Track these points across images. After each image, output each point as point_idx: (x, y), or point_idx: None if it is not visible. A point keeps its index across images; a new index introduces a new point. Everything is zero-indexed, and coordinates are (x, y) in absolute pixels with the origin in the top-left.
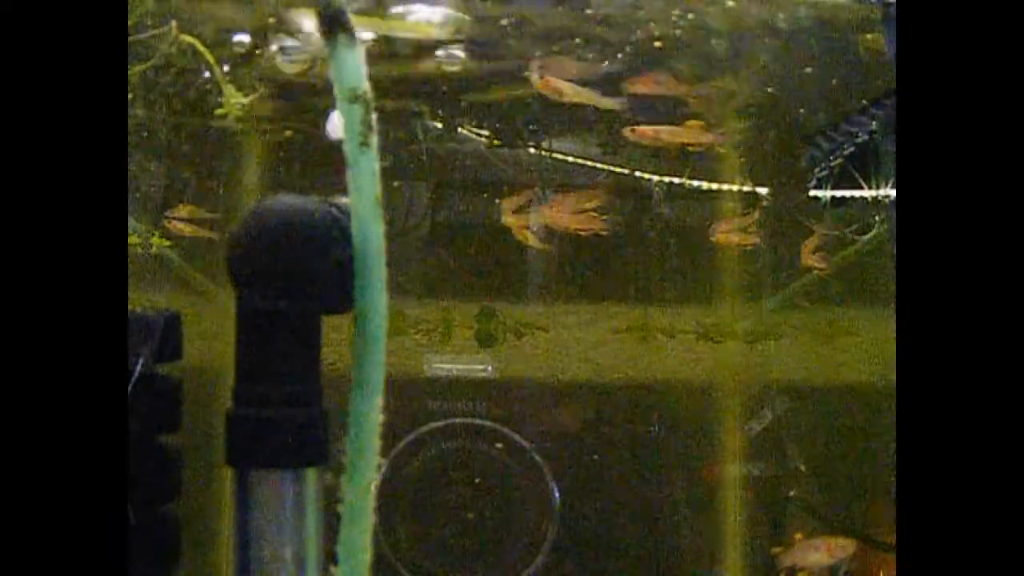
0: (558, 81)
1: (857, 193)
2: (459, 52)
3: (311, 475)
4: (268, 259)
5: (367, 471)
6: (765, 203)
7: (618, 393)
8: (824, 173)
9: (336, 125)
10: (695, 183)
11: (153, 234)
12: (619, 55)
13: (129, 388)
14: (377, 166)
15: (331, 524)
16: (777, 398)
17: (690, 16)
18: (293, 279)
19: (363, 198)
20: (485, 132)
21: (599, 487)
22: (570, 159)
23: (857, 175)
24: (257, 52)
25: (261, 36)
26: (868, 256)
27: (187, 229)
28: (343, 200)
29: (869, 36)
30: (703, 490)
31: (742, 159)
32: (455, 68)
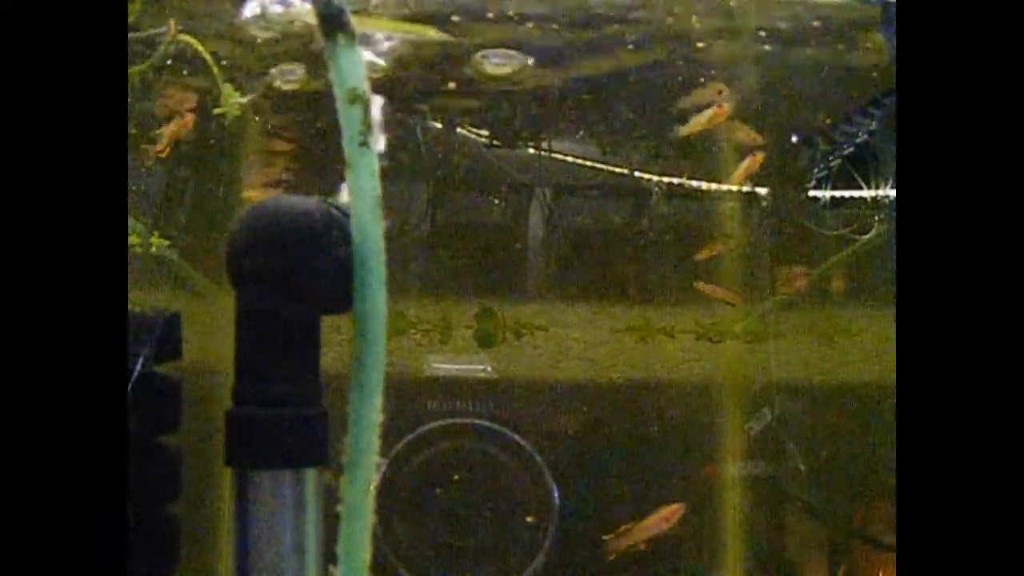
0: None
1: (857, 193)
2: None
3: (311, 475)
4: (268, 259)
5: (367, 471)
6: None
7: (618, 393)
8: (824, 173)
9: None
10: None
11: (153, 234)
12: None
13: (129, 388)
14: (377, 166)
15: (331, 524)
16: (777, 398)
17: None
18: (293, 279)
19: (363, 198)
20: (484, 132)
21: (598, 486)
22: (570, 159)
23: (856, 175)
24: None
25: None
26: (868, 256)
27: None
28: (343, 200)
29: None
30: (703, 489)
31: None
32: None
